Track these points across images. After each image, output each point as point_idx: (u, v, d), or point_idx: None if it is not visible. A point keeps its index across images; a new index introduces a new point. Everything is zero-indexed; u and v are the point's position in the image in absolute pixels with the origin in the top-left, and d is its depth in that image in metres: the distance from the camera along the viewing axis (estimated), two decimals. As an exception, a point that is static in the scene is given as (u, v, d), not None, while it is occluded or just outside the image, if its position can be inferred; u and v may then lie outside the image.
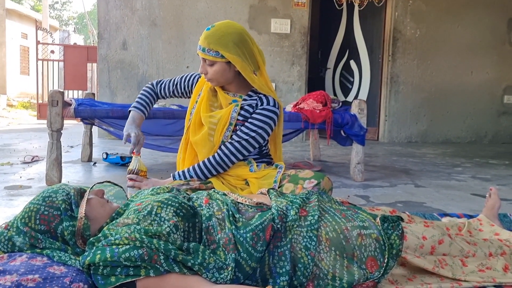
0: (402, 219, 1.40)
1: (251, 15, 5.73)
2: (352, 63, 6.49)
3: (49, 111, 2.69)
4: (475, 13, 6.07)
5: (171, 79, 2.17)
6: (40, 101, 9.44)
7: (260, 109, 1.91)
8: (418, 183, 3.18)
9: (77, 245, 1.21)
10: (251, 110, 1.93)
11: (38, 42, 9.08)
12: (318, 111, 3.07)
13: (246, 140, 1.89)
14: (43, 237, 1.19)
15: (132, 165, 1.83)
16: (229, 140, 1.91)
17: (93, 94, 4.09)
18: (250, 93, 1.97)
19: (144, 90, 2.17)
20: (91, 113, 2.85)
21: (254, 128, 1.89)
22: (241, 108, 1.92)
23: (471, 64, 6.17)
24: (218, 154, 1.89)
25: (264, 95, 1.95)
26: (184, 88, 2.12)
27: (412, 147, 5.60)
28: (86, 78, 8.76)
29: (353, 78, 6.50)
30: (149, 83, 2.21)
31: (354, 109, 3.13)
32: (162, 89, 2.17)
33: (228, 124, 1.90)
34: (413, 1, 5.97)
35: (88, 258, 1.09)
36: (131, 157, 1.92)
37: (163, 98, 2.19)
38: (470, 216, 2.02)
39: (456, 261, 1.35)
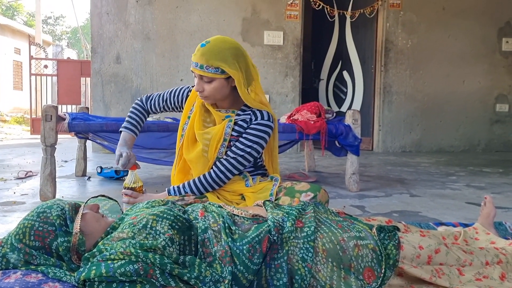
0: (398, 229, 1.40)
1: (244, 28, 5.77)
2: (345, 74, 6.53)
3: (42, 126, 2.68)
4: (465, 23, 6.14)
5: (160, 94, 2.12)
6: (33, 116, 9.40)
7: (255, 124, 1.90)
8: (413, 192, 3.19)
9: (72, 261, 1.20)
10: (245, 125, 1.91)
11: (31, 57, 9.07)
12: (312, 122, 3.08)
13: (241, 156, 1.88)
14: (37, 254, 1.18)
15: (128, 180, 1.83)
16: (224, 157, 1.89)
17: (87, 108, 4.09)
18: (243, 107, 1.95)
19: (133, 108, 2.13)
20: (85, 127, 2.84)
21: (249, 144, 1.88)
22: (235, 123, 1.91)
23: (463, 73, 6.23)
24: (214, 171, 1.88)
25: (258, 110, 1.93)
26: (174, 104, 2.08)
27: (406, 156, 5.62)
28: (79, 93, 8.74)
29: (347, 88, 6.54)
30: (138, 98, 2.17)
31: (348, 120, 3.14)
32: (152, 105, 2.13)
33: (222, 140, 1.88)
34: (404, 12, 6.04)
35: (83, 274, 1.08)
36: (126, 171, 1.93)
37: (154, 113, 2.16)
38: (466, 225, 2.02)
39: (453, 270, 1.34)
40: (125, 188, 1.83)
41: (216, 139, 1.88)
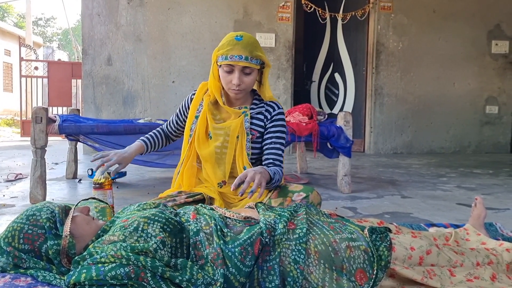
0: (390, 230, 1.40)
1: (236, 30, 5.76)
2: (337, 76, 6.56)
3: (32, 128, 2.66)
4: (455, 25, 6.20)
5: (171, 120, 2.12)
6: (23, 118, 9.33)
7: (276, 118, 1.91)
8: (405, 194, 3.21)
9: (62, 264, 1.19)
10: (262, 117, 1.91)
11: (21, 59, 9.00)
12: (304, 124, 3.09)
13: (283, 149, 1.92)
14: (27, 257, 1.17)
15: (97, 176, 1.96)
16: (274, 152, 1.88)
17: (78, 110, 4.06)
18: (255, 101, 1.94)
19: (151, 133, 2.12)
20: (75, 129, 2.82)
21: (283, 141, 1.92)
22: (251, 117, 1.90)
23: (453, 76, 6.28)
24: (281, 168, 1.86)
25: (270, 101, 1.94)
26: (185, 113, 2.03)
27: (397, 158, 5.65)
28: (70, 95, 8.69)
29: (338, 90, 6.56)
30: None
31: (339, 121, 3.15)
32: (168, 125, 2.11)
33: (245, 135, 1.86)
34: (395, 14, 6.08)
35: (73, 277, 1.06)
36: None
37: (173, 134, 2.12)
38: (457, 226, 2.03)
39: (444, 271, 1.35)
40: (94, 183, 1.96)
41: (235, 133, 1.85)
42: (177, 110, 2.07)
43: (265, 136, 1.90)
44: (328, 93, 6.70)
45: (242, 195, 1.56)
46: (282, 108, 1.95)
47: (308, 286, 1.20)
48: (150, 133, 2.11)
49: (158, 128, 2.14)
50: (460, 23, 6.20)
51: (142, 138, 2.07)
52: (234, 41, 1.75)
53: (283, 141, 1.92)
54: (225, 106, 1.88)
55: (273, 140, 1.89)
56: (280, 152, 1.89)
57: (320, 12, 5.95)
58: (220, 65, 1.80)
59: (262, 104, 1.93)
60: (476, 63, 6.31)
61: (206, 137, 1.90)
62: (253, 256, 1.20)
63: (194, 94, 1.99)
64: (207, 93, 1.92)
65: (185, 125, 1.99)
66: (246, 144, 1.87)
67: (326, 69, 6.68)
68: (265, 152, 1.89)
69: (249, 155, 1.87)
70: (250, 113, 1.90)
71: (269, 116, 1.91)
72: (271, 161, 1.85)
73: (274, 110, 1.92)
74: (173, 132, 2.11)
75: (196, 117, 1.92)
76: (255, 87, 1.97)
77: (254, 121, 1.90)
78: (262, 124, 1.91)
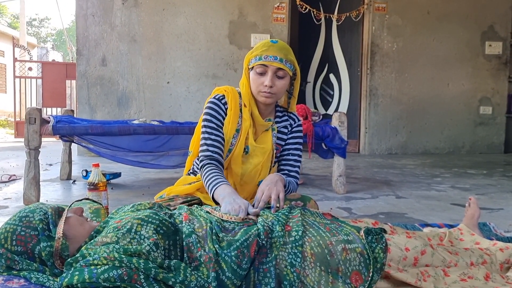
0: (385, 231, 1.41)
1: (231, 31, 5.76)
2: (332, 77, 6.57)
3: (26, 129, 2.64)
4: (450, 27, 6.22)
5: (211, 134, 1.76)
6: (17, 119, 9.28)
7: (295, 130, 1.91)
8: (399, 194, 3.21)
9: (55, 265, 1.18)
10: (286, 130, 1.90)
11: (15, 60, 8.95)
12: (299, 125, 3.08)
13: (299, 164, 1.91)
14: (19, 259, 1.16)
15: (92, 177, 1.98)
16: (290, 173, 1.86)
17: (72, 111, 4.04)
18: (278, 113, 1.90)
19: (209, 170, 1.70)
20: (69, 130, 2.81)
21: (300, 153, 1.92)
22: (278, 131, 1.88)
23: (448, 76, 6.30)
24: (296, 179, 1.85)
25: (291, 113, 1.93)
26: (222, 126, 1.80)
27: (392, 158, 5.67)
28: (65, 95, 8.65)
29: (333, 91, 6.57)
30: (203, 164, 1.73)
31: (334, 122, 3.15)
32: (217, 152, 1.75)
33: (274, 151, 1.85)
34: (389, 15, 6.10)
35: (66, 279, 1.06)
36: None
37: (222, 158, 1.79)
38: (451, 226, 2.04)
39: (439, 271, 1.35)
40: (89, 184, 1.98)
41: (268, 151, 1.82)
42: (211, 129, 1.77)
43: (283, 147, 1.89)
44: (323, 94, 6.71)
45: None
46: (300, 120, 1.95)
47: (303, 288, 1.20)
48: (217, 172, 1.69)
49: (211, 163, 1.73)
50: (454, 24, 6.23)
51: (223, 180, 1.65)
52: (269, 43, 1.74)
53: (300, 153, 1.91)
54: (259, 116, 1.80)
55: (291, 152, 1.88)
56: (297, 164, 1.88)
57: (315, 13, 5.96)
58: (252, 68, 1.74)
59: (286, 117, 1.91)
60: (470, 64, 6.34)
61: (242, 155, 1.80)
62: (249, 258, 1.20)
63: (222, 102, 1.79)
64: (242, 103, 1.79)
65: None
66: (274, 160, 1.87)
67: (321, 70, 6.69)
68: (282, 163, 1.88)
69: (270, 169, 1.86)
70: (277, 128, 1.87)
71: (289, 128, 1.91)
72: (286, 172, 1.84)
73: (294, 122, 1.92)
74: (222, 152, 1.78)
75: (237, 130, 1.78)
76: (283, 103, 1.93)
77: (280, 135, 1.88)
78: (285, 137, 1.90)
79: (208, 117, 1.77)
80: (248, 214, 1.43)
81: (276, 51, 1.71)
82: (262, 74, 1.72)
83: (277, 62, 1.70)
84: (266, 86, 1.70)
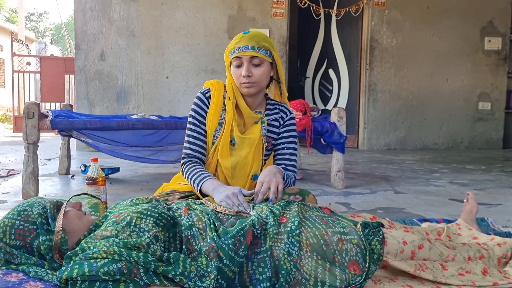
0: (382, 225, 1.41)
1: (230, 25, 5.75)
2: (331, 72, 6.56)
3: (24, 124, 2.64)
4: (449, 22, 6.21)
5: (193, 131, 1.79)
6: (16, 114, 9.26)
7: (288, 123, 1.88)
8: (398, 189, 3.22)
9: (54, 259, 1.18)
10: (277, 124, 1.87)
11: (13, 54, 8.92)
12: (298, 120, 3.09)
13: (295, 157, 1.89)
14: (18, 253, 1.16)
15: (90, 172, 1.99)
16: (287, 167, 1.82)
17: (71, 105, 4.03)
18: (268, 106, 1.88)
19: (192, 166, 1.73)
20: (68, 124, 2.81)
21: (295, 146, 1.89)
22: (268, 124, 1.85)
23: (447, 72, 6.30)
24: (293, 173, 1.83)
25: (282, 105, 1.90)
26: (205, 122, 1.81)
27: (391, 154, 5.67)
28: (63, 90, 8.63)
29: (332, 86, 6.57)
30: (184, 162, 1.78)
31: (333, 117, 3.15)
32: (197, 151, 1.78)
33: (263, 144, 1.82)
34: (389, 10, 6.08)
35: (66, 273, 1.06)
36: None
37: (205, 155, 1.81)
38: (449, 221, 2.04)
39: (436, 265, 1.36)
40: (87, 179, 1.99)
41: (256, 142, 1.79)
42: (193, 126, 1.79)
43: (277, 142, 1.87)
44: (322, 89, 6.71)
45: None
46: (293, 113, 1.93)
47: (300, 278, 1.21)
48: (200, 168, 1.73)
49: (192, 161, 1.76)
50: (454, 19, 6.22)
51: (207, 175, 1.68)
52: (241, 35, 1.75)
53: (296, 146, 1.89)
54: (247, 108, 1.79)
55: (285, 145, 1.86)
56: (293, 157, 1.86)
57: (314, 8, 5.94)
58: (231, 63, 1.76)
59: (277, 110, 1.88)
60: (469, 60, 6.33)
61: (229, 147, 1.79)
62: (246, 246, 1.21)
63: (206, 96, 1.81)
64: (226, 96, 1.79)
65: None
66: (264, 153, 1.84)
67: (320, 65, 6.68)
68: (278, 157, 1.86)
69: (263, 162, 1.84)
70: (267, 120, 1.85)
71: (281, 122, 1.88)
72: (283, 166, 1.81)
73: (286, 115, 1.89)
74: (203, 150, 1.80)
75: (220, 123, 1.78)
76: (275, 91, 1.93)
77: (270, 128, 1.86)
78: (276, 130, 1.87)
79: (192, 113, 1.81)
80: (244, 207, 1.45)
81: (247, 41, 1.71)
82: (239, 66, 1.73)
83: (249, 51, 1.70)
84: (244, 77, 1.71)
